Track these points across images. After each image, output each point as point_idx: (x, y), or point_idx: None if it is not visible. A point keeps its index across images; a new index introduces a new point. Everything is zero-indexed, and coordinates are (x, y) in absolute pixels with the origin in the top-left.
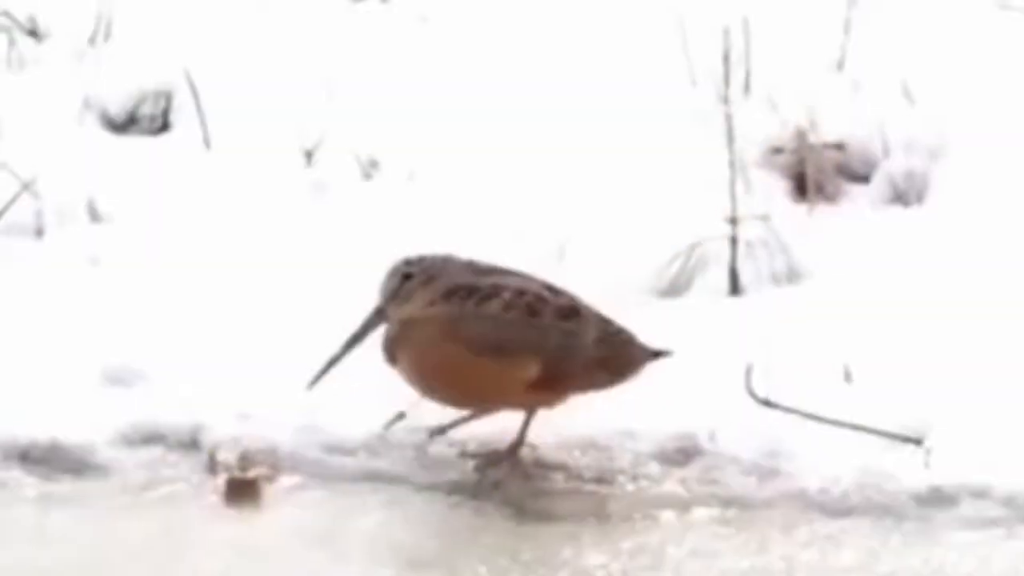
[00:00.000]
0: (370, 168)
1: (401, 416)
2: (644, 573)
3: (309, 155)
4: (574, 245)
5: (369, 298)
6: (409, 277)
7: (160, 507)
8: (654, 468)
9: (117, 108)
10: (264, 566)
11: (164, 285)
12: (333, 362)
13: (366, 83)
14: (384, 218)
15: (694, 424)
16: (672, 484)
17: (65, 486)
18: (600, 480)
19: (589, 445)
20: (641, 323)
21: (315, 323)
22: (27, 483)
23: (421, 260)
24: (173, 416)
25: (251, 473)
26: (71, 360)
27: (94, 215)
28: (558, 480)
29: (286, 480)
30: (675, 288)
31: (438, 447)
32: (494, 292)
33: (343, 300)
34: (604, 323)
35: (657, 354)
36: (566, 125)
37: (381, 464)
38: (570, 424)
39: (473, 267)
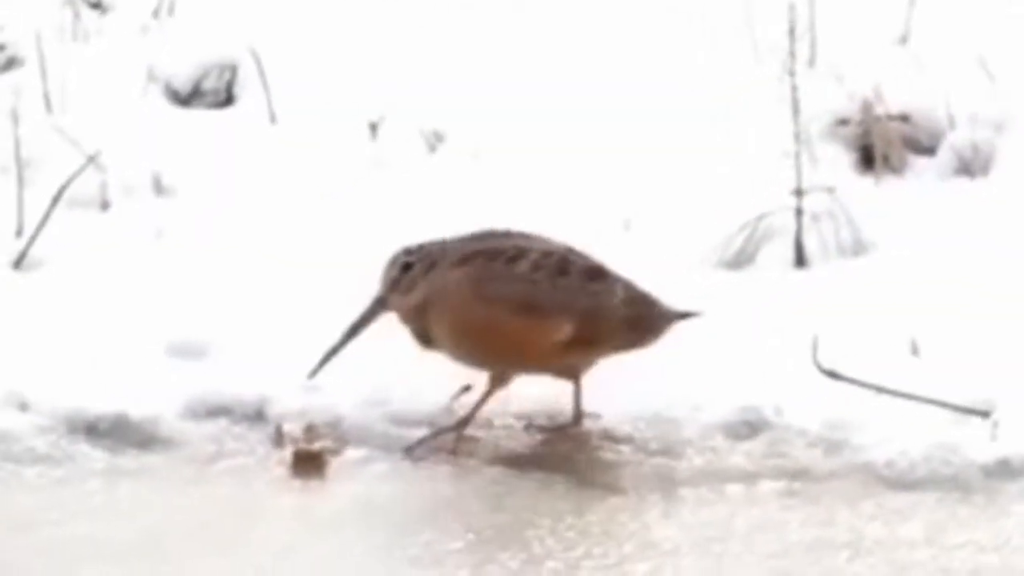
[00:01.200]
0: (435, 141)
1: (467, 388)
2: (710, 545)
3: (374, 128)
4: (640, 217)
5: None
6: (409, 267)
7: (226, 480)
8: (720, 441)
9: (182, 81)
10: (330, 538)
11: (229, 258)
12: (332, 353)
13: (431, 56)
14: (448, 192)
15: (760, 397)
16: (738, 457)
17: (131, 459)
18: (666, 452)
19: (656, 417)
20: (706, 295)
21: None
22: (94, 457)
23: (420, 248)
24: (239, 389)
25: (317, 446)
26: (137, 334)
27: (159, 188)
28: (625, 452)
29: (352, 452)
30: (741, 260)
31: (504, 419)
32: (520, 253)
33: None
34: (629, 285)
35: (684, 315)
36: (633, 98)
37: (448, 436)
38: (637, 396)
39: (477, 236)
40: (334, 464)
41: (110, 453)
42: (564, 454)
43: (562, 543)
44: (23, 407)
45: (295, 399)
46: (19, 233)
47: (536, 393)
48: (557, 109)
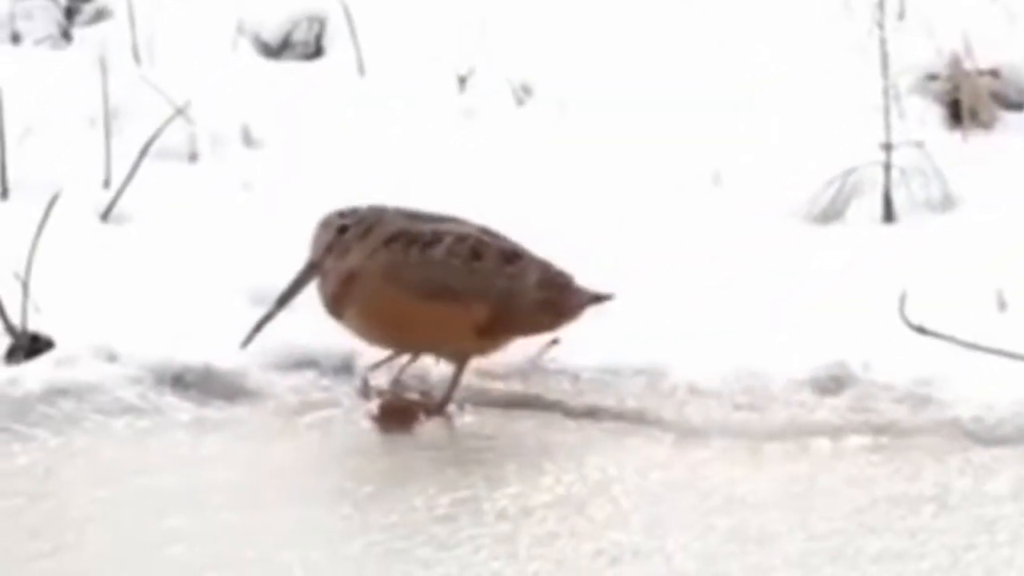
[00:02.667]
0: (523, 94)
1: (555, 341)
2: (796, 501)
3: (462, 81)
4: (728, 171)
5: (517, 220)
6: (344, 229)
7: (312, 432)
8: (807, 395)
9: (271, 33)
10: (417, 490)
11: (317, 210)
12: (265, 320)
13: (520, 8)
14: (536, 145)
15: (847, 352)
16: (825, 412)
17: (218, 411)
18: (753, 407)
19: (742, 372)
20: (794, 249)
21: None
22: (181, 408)
23: (355, 212)
24: (326, 341)
25: (404, 398)
26: (224, 285)
27: (247, 140)
28: (711, 406)
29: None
30: (829, 215)
31: (591, 372)
32: (436, 238)
33: (491, 225)
34: (544, 266)
35: (598, 298)
36: (721, 51)
37: (535, 389)
38: (723, 350)
39: (407, 214)
40: (421, 417)
41: (197, 404)
42: (649, 408)
43: (647, 497)
44: (111, 358)
45: (382, 351)
46: (107, 185)
47: None
48: (645, 62)
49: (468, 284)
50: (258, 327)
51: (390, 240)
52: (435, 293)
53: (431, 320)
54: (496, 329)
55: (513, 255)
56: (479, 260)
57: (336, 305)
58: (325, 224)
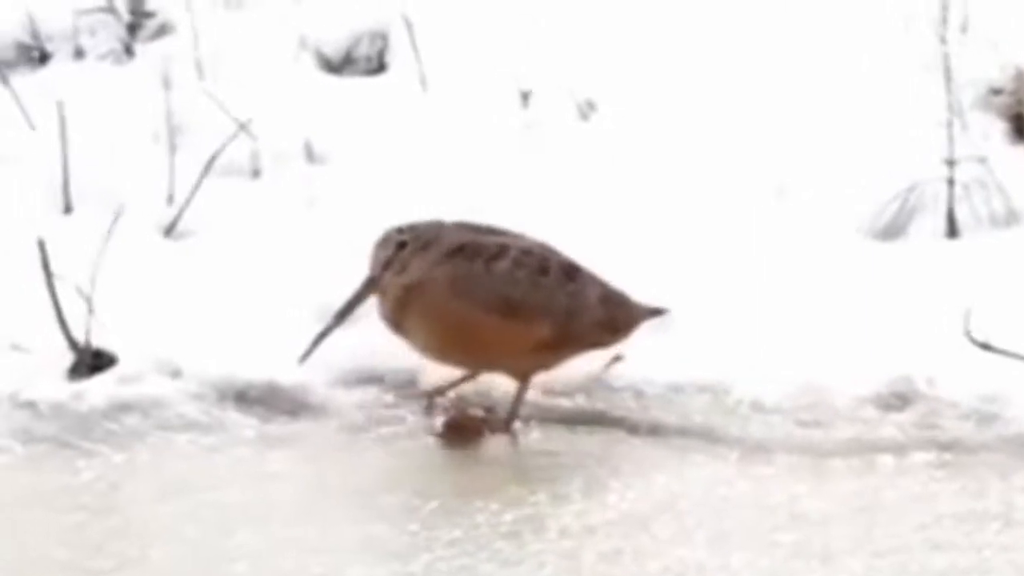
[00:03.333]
0: (587, 109)
1: (619, 358)
2: (860, 517)
3: (525, 96)
4: (792, 186)
5: (580, 235)
6: (403, 245)
7: (376, 448)
8: (871, 412)
9: (333, 48)
10: (481, 507)
11: (379, 225)
12: (323, 335)
13: (584, 23)
14: (600, 160)
15: (912, 368)
16: (889, 428)
17: (282, 427)
18: (817, 423)
19: (806, 388)
20: (857, 265)
21: None
22: (245, 424)
23: (413, 227)
24: (391, 357)
25: (468, 415)
26: (287, 301)
27: (310, 156)
28: (775, 422)
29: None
30: (892, 230)
31: (656, 389)
32: (501, 251)
33: (554, 240)
34: (603, 284)
35: (655, 312)
36: (784, 66)
37: (599, 406)
38: (788, 367)
39: (468, 227)
40: (485, 434)
41: (260, 420)
42: (713, 425)
43: (712, 514)
44: (175, 374)
45: (447, 369)
46: (170, 201)
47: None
48: (709, 76)
49: (533, 300)
50: (316, 342)
51: (454, 252)
52: (499, 307)
53: (493, 334)
54: (556, 346)
55: (574, 271)
56: (545, 275)
57: (397, 315)
58: (384, 240)
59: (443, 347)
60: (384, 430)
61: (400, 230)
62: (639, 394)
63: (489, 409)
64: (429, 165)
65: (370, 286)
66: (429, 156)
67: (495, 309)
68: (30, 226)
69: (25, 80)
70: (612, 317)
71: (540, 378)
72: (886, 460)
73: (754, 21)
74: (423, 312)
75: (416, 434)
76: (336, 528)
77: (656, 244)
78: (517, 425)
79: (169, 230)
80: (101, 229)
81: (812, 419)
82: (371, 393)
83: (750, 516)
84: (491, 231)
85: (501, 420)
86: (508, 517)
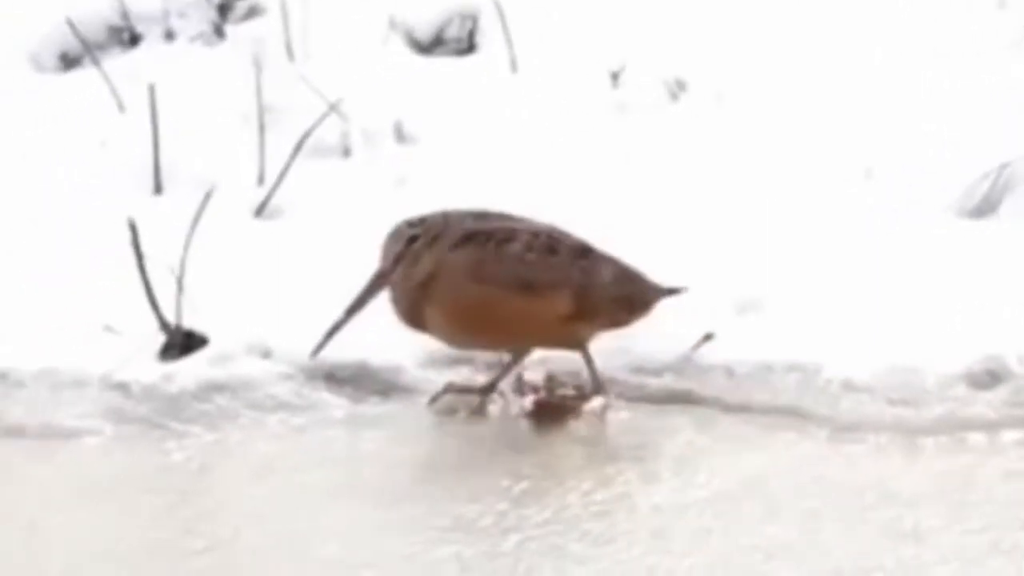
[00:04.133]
0: (677, 89)
1: (709, 337)
2: (951, 495)
3: (615, 76)
4: (881, 165)
5: (670, 214)
6: (414, 239)
7: (467, 428)
8: (962, 390)
9: (423, 29)
10: (572, 486)
11: (470, 205)
12: (335, 330)
13: (674, 3)
14: (690, 140)
15: (1003, 346)
16: (980, 406)
17: (372, 407)
18: (907, 402)
19: (897, 367)
20: (948, 244)
21: (620, 243)
22: (335, 404)
23: (423, 220)
24: None
25: (558, 395)
26: None
27: (400, 136)
28: (865, 401)
29: (593, 401)
30: (983, 209)
31: (746, 368)
32: (511, 235)
33: (645, 221)
34: (616, 263)
35: (671, 291)
36: (874, 45)
37: (688, 385)
38: (878, 346)
39: (475, 215)
40: (575, 413)
41: (351, 401)
42: (803, 404)
43: (801, 493)
44: (265, 355)
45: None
46: (261, 181)
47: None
48: (799, 56)
49: (546, 276)
50: (328, 336)
51: (465, 239)
52: (516, 285)
53: (516, 313)
54: (578, 318)
55: (585, 250)
56: (555, 255)
57: (415, 309)
58: (395, 235)
59: (468, 331)
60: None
61: (411, 224)
62: (729, 373)
63: (579, 388)
64: (518, 146)
65: (380, 279)
66: (518, 137)
67: (512, 287)
68: (121, 208)
69: (116, 62)
70: (628, 295)
71: (630, 357)
72: (977, 438)
73: (844, 0)
74: (443, 300)
75: (507, 414)
76: (426, 508)
77: (746, 224)
78: (606, 403)
79: (260, 210)
80: (192, 210)
81: (903, 398)
82: (462, 373)
83: (840, 495)
84: (499, 217)
85: (589, 398)
86: (598, 496)
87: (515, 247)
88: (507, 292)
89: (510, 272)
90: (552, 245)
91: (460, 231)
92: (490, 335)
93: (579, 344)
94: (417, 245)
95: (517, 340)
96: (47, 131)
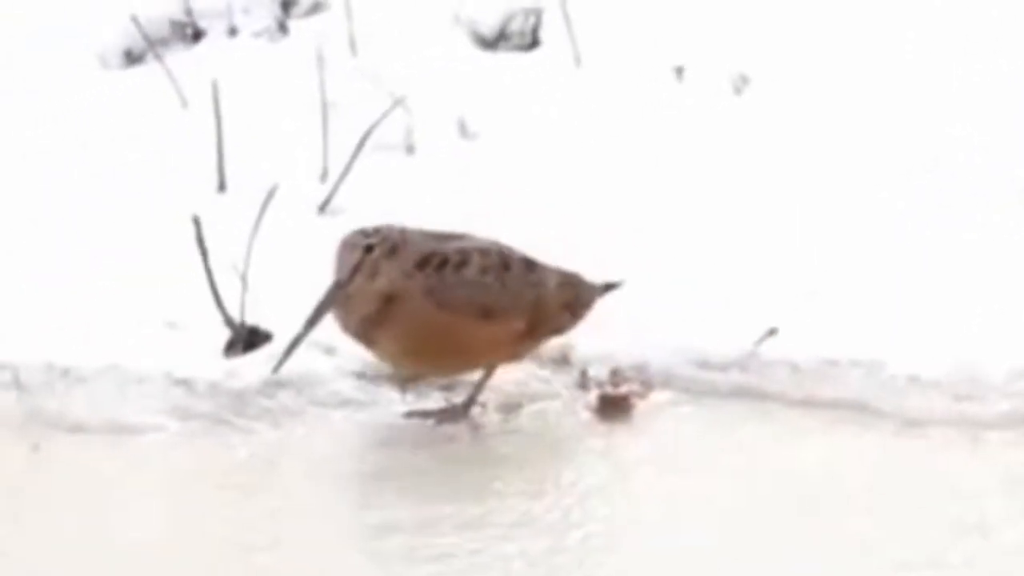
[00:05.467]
0: (741, 84)
1: (772, 332)
2: (1018, 489)
3: (679, 71)
4: (946, 157)
5: (740, 209)
6: (370, 249)
7: (532, 423)
8: None
9: (487, 24)
10: (636, 480)
11: (533, 203)
12: (295, 344)
13: None
14: (754, 135)
15: None
16: None
17: (436, 403)
18: (973, 397)
19: (963, 361)
20: (1014, 237)
21: (680, 238)
22: (399, 400)
23: (378, 231)
24: None
25: (623, 389)
26: None
27: (464, 132)
28: (932, 396)
29: (657, 396)
30: None
31: (810, 363)
32: (464, 257)
33: (709, 215)
34: (558, 270)
35: (608, 287)
36: (937, 34)
37: (752, 380)
38: (943, 341)
39: (426, 235)
40: (640, 407)
41: (415, 397)
42: (868, 398)
43: (867, 486)
44: (328, 351)
45: (600, 343)
46: (324, 177)
47: None
48: (863, 49)
49: (505, 298)
50: (289, 351)
51: (422, 263)
52: (476, 311)
53: (474, 338)
54: (528, 335)
55: (531, 263)
56: (508, 271)
57: (368, 327)
58: (350, 245)
59: (423, 354)
60: (539, 405)
61: (365, 233)
62: (793, 368)
63: (644, 383)
64: (582, 141)
65: (338, 290)
66: (582, 132)
67: (473, 313)
68: (185, 204)
69: (179, 58)
70: (570, 300)
71: (694, 352)
72: None
73: None
74: (402, 323)
75: (571, 409)
76: (492, 504)
77: (810, 217)
78: (476, 410)
79: (323, 207)
80: (255, 206)
81: (968, 392)
82: (526, 369)
83: (905, 490)
84: (447, 237)
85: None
86: (660, 491)
87: (471, 271)
88: (466, 318)
89: (468, 296)
90: (505, 261)
91: (419, 250)
92: (443, 360)
93: (521, 359)
94: (375, 255)
95: (469, 364)
96: (112, 128)
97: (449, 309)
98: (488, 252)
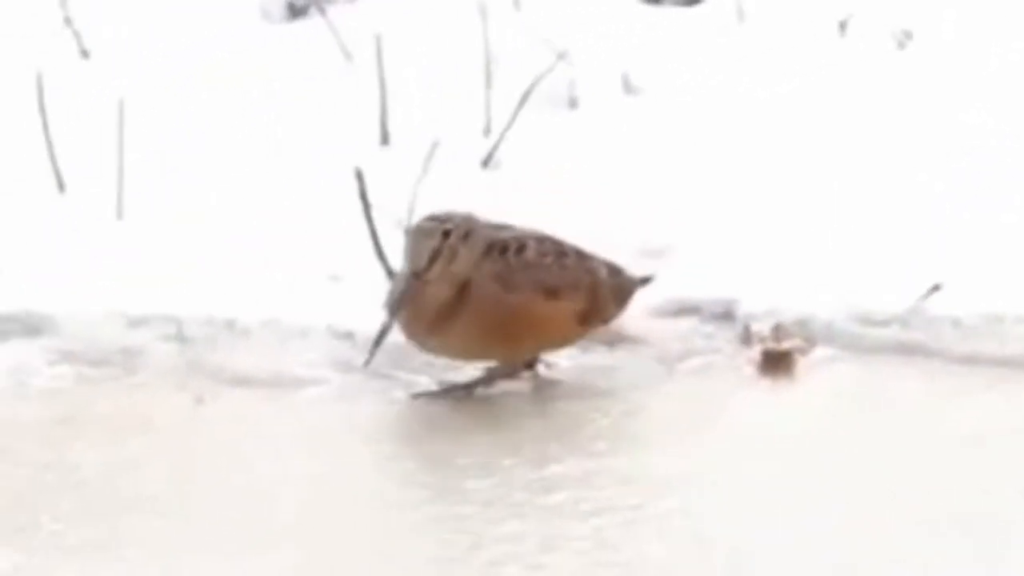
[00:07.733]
0: (904, 38)
1: (937, 288)
2: None
3: (842, 26)
4: None
5: (903, 163)
6: (448, 234)
7: (693, 378)
8: None
9: None
10: (797, 434)
11: (697, 157)
12: (383, 335)
13: None
14: (918, 89)
15: None
16: None
17: (599, 357)
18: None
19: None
20: None
21: (845, 193)
22: (562, 354)
23: (450, 216)
24: (707, 289)
25: (785, 345)
26: (605, 232)
27: (627, 87)
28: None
29: (820, 352)
30: None
31: (973, 319)
32: (522, 244)
33: (877, 170)
34: (603, 260)
35: (644, 280)
36: None
37: (915, 336)
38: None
39: (492, 225)
40: (802, 363)
41: (578, 350)
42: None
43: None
44: None
45: (764, 298)
46: (487, 132)
47: None
48: None
49: (566, 279)
50: (377, 344)
51: (488, 250)
52: (543, 292)
53: (544, 316)
54: (589, 319)
55: (582, 252)
56: (566, 257)
57: (444, 319)
58: (425, 231)
59: (492, 340)
60: (701, 360)
61: (439, 219)
62: (956, 323)
63: (807, 339)
64: (745, 96)
65: (416, 279)
66: (745, 87)
67: (540, 293)
68: (348, 157)
69: (342, 11)
70: (618, 289)
71: (856, 308)
72: None
73: None
74: (475, 309)
75: (734, 364)
76: (652, 458)
77: (976, 171)
78: (479, 391)
79: (486, 161)
80: (418, 160)
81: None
82: (689, 323)
83: (956, 454)
84: (499, 227)
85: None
86: (823, 446)
87: (530, 254)
88: (534, 299)
89: (534, 279)
90: (560, 249)
91: (483, 236)
92: (515, 343)
93: (572, 344)
94: (452, 239)
95: (536, 346)
96: (275, 81)
97: (517, 291)
98: (542, 240)
